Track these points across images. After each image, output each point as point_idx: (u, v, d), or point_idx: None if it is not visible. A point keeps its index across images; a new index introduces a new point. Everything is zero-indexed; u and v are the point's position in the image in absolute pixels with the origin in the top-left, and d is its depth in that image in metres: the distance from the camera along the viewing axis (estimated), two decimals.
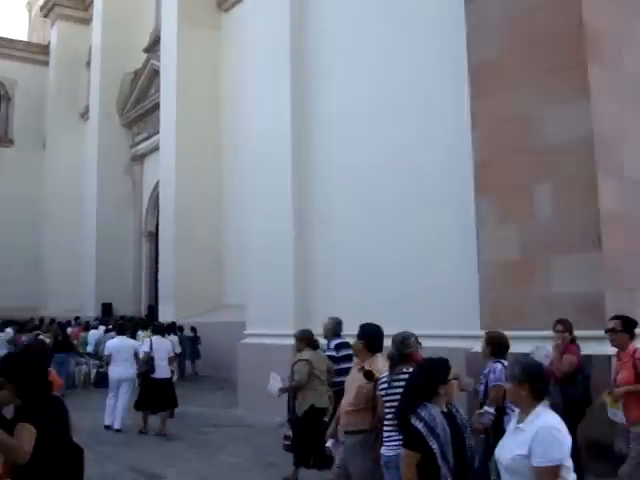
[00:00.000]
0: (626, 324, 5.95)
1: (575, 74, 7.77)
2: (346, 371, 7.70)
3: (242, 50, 14.52)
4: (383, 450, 5.15)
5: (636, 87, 8.43)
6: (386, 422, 5.19)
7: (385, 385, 5.20)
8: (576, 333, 7.21)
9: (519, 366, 3.58)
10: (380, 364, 5.52)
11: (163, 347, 11.11)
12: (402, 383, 5.07)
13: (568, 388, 6.59)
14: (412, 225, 9.80)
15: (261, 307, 12.45)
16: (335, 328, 8.43)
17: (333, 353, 8.13)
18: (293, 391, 7.63)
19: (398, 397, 4.99)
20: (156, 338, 11.27)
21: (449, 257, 9.23)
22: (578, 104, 7.69)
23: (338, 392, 7.18)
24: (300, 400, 7.54)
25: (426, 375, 4.07)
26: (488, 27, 8.70)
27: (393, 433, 5.03)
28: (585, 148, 7.59)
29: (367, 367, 5.49)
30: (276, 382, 7.80)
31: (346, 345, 8.02)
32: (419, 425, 3.80)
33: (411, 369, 5.17)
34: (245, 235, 13.55)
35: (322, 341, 8.51)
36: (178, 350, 16.30)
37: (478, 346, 7.86)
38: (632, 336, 5.95)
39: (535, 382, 3.48)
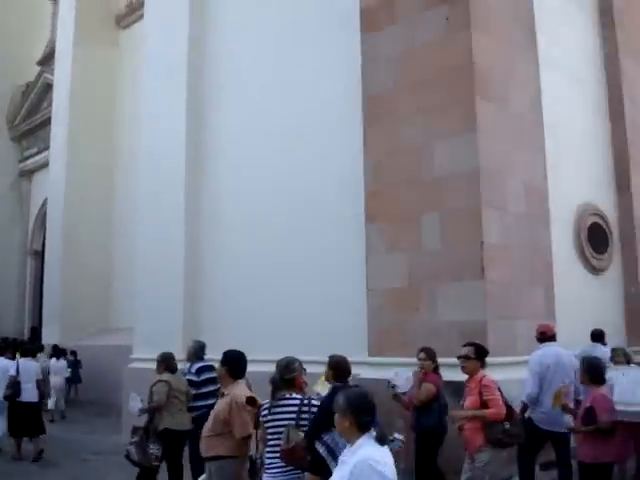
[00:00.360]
0: (478, 351, 6.10)
1: (463, 109, 8.05)
2: (207, 395, 7.68)
3: (140, 67, 14.26)
4: (265, 477, 5.07)
5: (520, 123, 8.81)
6: (268, 449, 5.12)
7: (266, 412, 5.13)
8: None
9: (344, 396, 3.47)
10: (240, 390, 5.45)
11: (30, 370, 10.60)
12: (284, 409, 5.05)
13: (422, 416, 6.68)
14: (303, 250, 9.81)
15: (149, 331, 12.12)
16: (197, 352, 8.44)
17: (194, 377, 8.07)
18: (152, 412, 7.46)
19: (280, 423, 4.96)
20: (23, 360, 10.76)
21: (339, 283, 9.26)
22: (465, 138, 7.96)
23: (199, 417, 7.10)
24: (156, 422, 7.40)
25: None
26: (382, 60, 8.91)
27: (275, 460, 4.96)
28: (471, 181, 7.85)
29: (226, 392, 5.45)
30: (136, 402, 7.63)
31: (209, 369, 7.98)
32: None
33: (294, 394, 5.15)
34: (135, 256, 13.21)
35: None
36: (66, 374, 15.70)
37: (366, 372, 7.96)
38: (483, 364, 6.10)
39: (359, 413, 3.35)
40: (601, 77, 11.93)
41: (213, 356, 10.20)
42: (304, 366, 5.61)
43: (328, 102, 9.86)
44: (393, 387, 6.93)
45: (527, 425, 6.71)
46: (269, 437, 5.11)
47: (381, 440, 3.31)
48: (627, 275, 11.31)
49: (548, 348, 7.00)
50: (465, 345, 6.25)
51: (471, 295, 7.70)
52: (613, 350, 8.13)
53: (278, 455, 4.90)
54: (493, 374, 7.58)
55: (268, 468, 5.06)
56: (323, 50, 10.10)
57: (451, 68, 8.24)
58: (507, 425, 5.83)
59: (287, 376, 5.20)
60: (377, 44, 9.01)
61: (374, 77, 8.96)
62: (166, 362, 7.76)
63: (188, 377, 8.05)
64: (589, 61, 11.72)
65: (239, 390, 5.43)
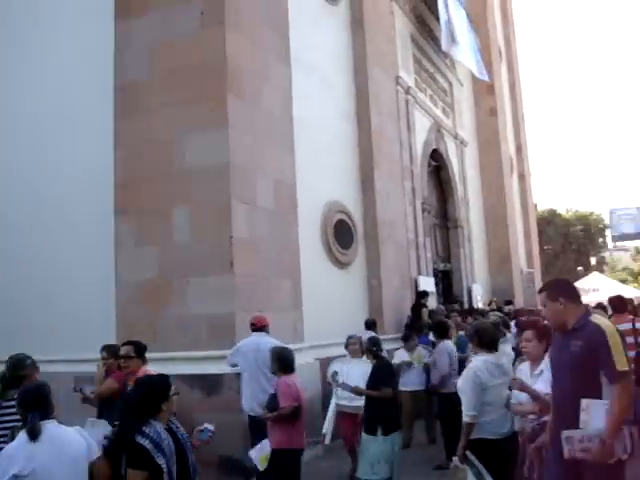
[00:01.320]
0: (138, 349, 6.07)
1: (215, 105, 8.15)
2: None
3: None
4: None
5: (271, 122, 9.08)
6: None
7: None
8: (208, 353, 7.58)
9: None
10: None
11: None
12: (14, 409, 4.77)
13: (104, 412, 6.24)
14: (53, 245, 9.34)
15: None
16: None
17: None
18: None
19: (9, 425, 4.68)
20: None
21: (88, 278, 8.95)
22: (216, 133, 8.07)
23: None
24: None
25: (148, 392, 3.84)
26: (135, 50, 8.74)
27: None
28: (221, 176, 7.97)
29: None
30: None
31: None
32: (145, 442, 3.55)
33: None
34: None
35: None
36: None
37: None
38: (144, 360, 6.09)
39: (19, 407, 3.63)
40: (351, 84, 12.65)
41: None
42: (37, 364, 5.34)
43: (81, 92, 9.46)
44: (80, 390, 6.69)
45: None
46: None
47: (30, 434, 3.38)
48: (370, 269, 12.15)
49: (252, 338, 7.21)
50: (124, 344, 6.16)
51: (220, 288, 7.81)
52: (349, 337, 8.29)
53: None
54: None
55: None
56: (78, 38, 9.67)
57: (204, 63, 8.28)
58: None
59: (18, 373, 4.95)
60: (130, 34, 8.81)
61: (126, 67, 8.77)
62: None
63: None
64: (341, 67, 12.37)
65: None
